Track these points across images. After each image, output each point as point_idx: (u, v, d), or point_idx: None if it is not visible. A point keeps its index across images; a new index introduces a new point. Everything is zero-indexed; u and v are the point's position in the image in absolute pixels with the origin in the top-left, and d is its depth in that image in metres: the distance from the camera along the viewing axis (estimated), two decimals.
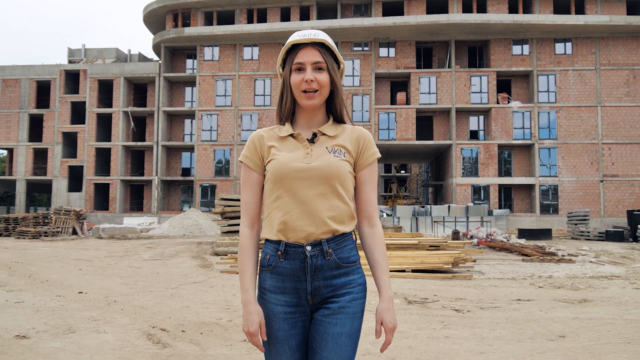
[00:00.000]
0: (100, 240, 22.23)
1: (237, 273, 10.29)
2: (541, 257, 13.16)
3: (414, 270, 10.25)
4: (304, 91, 1.83)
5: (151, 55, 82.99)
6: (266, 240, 1.84)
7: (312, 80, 1.81)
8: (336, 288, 1.78)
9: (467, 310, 6.50)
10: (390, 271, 10.31)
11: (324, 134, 1.87)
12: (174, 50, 41.17)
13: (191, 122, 40.71)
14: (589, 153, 35.12)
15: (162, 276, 9.80)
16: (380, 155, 1.92)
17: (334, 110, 1.92)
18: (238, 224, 19.77)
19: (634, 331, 5.34)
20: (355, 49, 37.80)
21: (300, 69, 1.83)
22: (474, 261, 11.60)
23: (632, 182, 34.55)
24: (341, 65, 1.92)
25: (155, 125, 39.85)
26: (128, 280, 9.20)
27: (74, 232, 26.07)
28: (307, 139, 1.86)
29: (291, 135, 1.87)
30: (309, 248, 1.76)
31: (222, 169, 38.45)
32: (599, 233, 23.60)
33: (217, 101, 38.82)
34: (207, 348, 4.69)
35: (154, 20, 42.34)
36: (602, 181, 34.81)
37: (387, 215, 34.08)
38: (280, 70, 1.94)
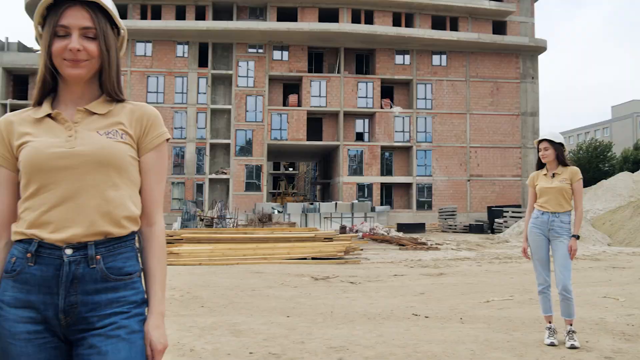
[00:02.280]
0: None
1: None
2: (414, 246, 15.83)
3: (313, 258, 12.24)
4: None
5: (32, 44, 77.63)
6: (16, 241, 1.45)
7: (78, 50, 1.43)
8: (98, 307, 1.41)
9: (359, 282, 8.57)
10: (294, 259, 12.25)
11: (95, 113, 1.50)
12: None
13: None
14: (459, 155, 39.77)
15: None
16: (169, 137, 1.59)
17: (106, 86, 1.51)
18: None
19: (467, 289, 7.70)
20: (250, 50, 39.27)
21: (65, 34, 1.44)
22: (361, 250, 13.86)
23: (493, 182, 39.71)
24: (122, 32, 1.57)
25: None
26: None
27: None
28: (72, 121, 1.48)
29: (49, 115, 1.49)
30: (68, 251, 1.39)
31: None
32: (464, 226, 27.40)
33: None
34: (177, 312, 6.24)
35: (35, 8, 40.53)
36: (469, 180, 39.61)
37: (278, 212, 36.06)
38: (40, 29, 1.51)
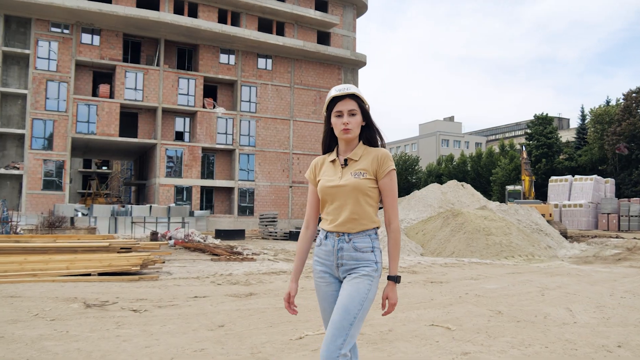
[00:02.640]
0: None
1: None
2: (228, 257, 14.29)
3: (101, 274, 9.99)
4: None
5: None
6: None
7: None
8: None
9: (144, 309, 6.73)
10: (74, 275, 9.84)
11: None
12: None
13: None
14: (282, 161, 39.35)
15: None
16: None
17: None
18: None
19: (278, 317, 6.37)
20: (53, 29, 34.26)
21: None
22: (164, 262, 11.91)
23: None
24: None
25: None
26: None
27: None
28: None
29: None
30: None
31: None
32: (285, 233, 26.65)
33: None
34: None
35: None
36: (291, 187, 39.38)
37: (83, 214, 31.91)
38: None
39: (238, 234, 26.71)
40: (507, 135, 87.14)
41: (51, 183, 33.59)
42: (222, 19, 39.10)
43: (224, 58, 38.75)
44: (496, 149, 65.21)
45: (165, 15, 35.31)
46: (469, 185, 23.81)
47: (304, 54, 40.51)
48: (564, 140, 57.68)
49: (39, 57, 33.64)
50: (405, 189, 64.02)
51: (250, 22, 39.51)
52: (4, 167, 33.02)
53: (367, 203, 2.60)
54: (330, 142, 2.78)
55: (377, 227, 2.66)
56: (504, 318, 6.48)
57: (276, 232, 27.80)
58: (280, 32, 41.00)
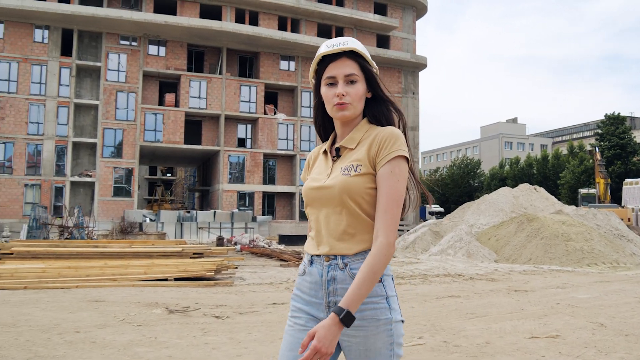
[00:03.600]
0: None
1: None
2: (297, 262, 14.19)
3: (177, 279, 10.10)
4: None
5: None
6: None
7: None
8: None
9: (226, 316, 6.66)
10: (152, 280, 9.99)
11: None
12: None
13: None
14: None
15: None
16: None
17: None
18: None
19: None
20: (122, 42, 35.68)
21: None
22: (236, 267, 11.94)
23: None
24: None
25: None
26: None
27: None
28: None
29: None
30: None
31: None
32: None
33: None
34: None
35: None
36: None
37: (151, 220, 32.90)
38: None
39: (301, 240, 26.69)
40: (574, 136, 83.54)
41: (121, 190, 34.84)
42: (282, 26, 39.47)
43: (284, 64, 39.09)
44: (564, 150, 62.54)
45: (227, 24, 36.00)
46: (542, 189, 22.77)
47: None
48: (638, 140, 54.58)
49: (109, 69, 35.04)
50: (467, 193, 62.48)
51: (310, 28, 39.69)
52: (78, 174, 34.55)
53: (365, 212, 1.72)
54: (324, 123, 1.93)
55: None
56: (609, 331, 5.96)
57: None
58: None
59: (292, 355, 1.76)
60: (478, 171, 67.91)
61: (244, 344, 5.22)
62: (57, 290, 9.10)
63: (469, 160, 68.75)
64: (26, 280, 9.53)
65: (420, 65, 42.47)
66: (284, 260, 15.15)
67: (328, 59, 1.79)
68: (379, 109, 1.84)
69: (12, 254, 11.72)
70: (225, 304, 7.63)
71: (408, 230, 23.47)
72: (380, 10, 42.81)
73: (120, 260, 11.28)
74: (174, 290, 9.20)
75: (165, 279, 10.06)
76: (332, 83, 1.78)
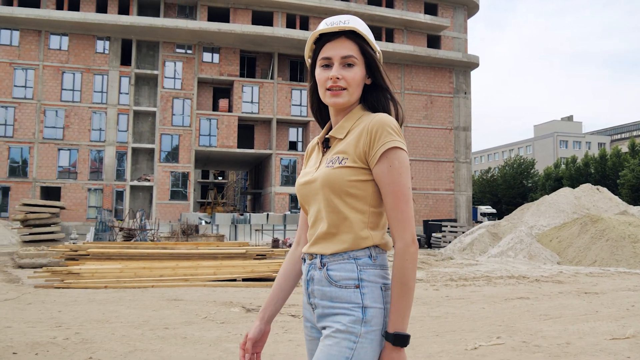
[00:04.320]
0: None
1: (56, 287, 9.45)
2: None
3: (244, 279, 10.45)
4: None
5: None
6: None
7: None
8: None
9: (300, 315, 6.90)
10: (222, 280, 10.39)
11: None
12: None
13: None
14: None
15: None
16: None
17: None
18: (43, 232, 17.93)
19: (440, 325, 6.24)
20: (178, 50, 36.86)
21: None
22: None
23: (426, 195, 39.34)
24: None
25: None
26: None
27: None
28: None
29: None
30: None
31: (19, 170, 34.12)
32: None
33: (14, 92, 34.46)
34: None
35: None
36: None
37: (206, 222, 33.79)
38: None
39: None
40: (635, 133, 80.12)
41: (177, 193, 35.96)
42: None
43: None
44: (623, 148, 60.11)
45: (279, 30, 36.60)
46: (605, 189, 22.06)
47: (413, 58, 40.08)
48: None
49: (165, 77, 36.26)
50: (520, 194, 61.00)
51: None
52: (137, 179, 35.89)
53: (349, 207, 1.54)
54: (320, 109, 1.75)
55: (371, 247, 1.55)
56: None
57: None
58: (390, 39, 40.90)
59: None
60: (532, 171, 66.17)
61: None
62: (134, 289, 9.60)
63: (522, 160, 67.09)
64: (106, 280, 10.11)
65: (472, 64, 41.87)
66: None
67: (326, 38, 1.62)
68: (376, 97, 1.64)
69: (88, 255, 12.40)
70: (296, 304, 7.87)
71: (463, 232, 23.22)
72: (430, 10, 42.50)
73: (190, 262, 11.75)
74: (244, 290, 9.54)
75: (234, 280, 10.43)
76: (327, 65, 1.60)
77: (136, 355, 4.91)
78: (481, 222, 44.03)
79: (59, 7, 35.68)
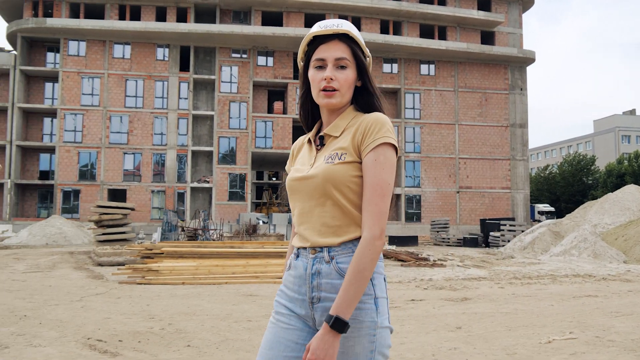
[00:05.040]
0: None
1: (138, 283, 10.17)
2: (417, 263, 14.55)
3: None
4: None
5: (2, 44, 75.13)
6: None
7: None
8: None
9: None
10: None
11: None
12: (32, 42, 37.88)
13: (52, 121, 37.74)
14: (448, 166, 38.81)
15: (57, 289, 9.35)
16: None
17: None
18: (116, 232, 19.03)
19: (511, 321, 6.43)
20: (233, 55, 37.93)
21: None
22: None
23: (482, 194, 38.83)
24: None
25: (8, 123, 36.28)
26: (22, 294, 8.67)
27: None
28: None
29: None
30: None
31: (88, 173, 36.06)
32: (457, 239, 26.28)
33: (82, 100, 36.47)
34: (155, 354, 4.84)
35: (8, 6, 38.66)
36: (458, 192, 38.64)
37: (263, 222, 34.60)
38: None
39: (411, 240, 26.91)
40: None
41: (235, 194, 37.03)
42: (384, 30, 39.88)
43: (386, 67, 39.46)
44: None
45: None
46: None
47: (467, 56, 39.64)
48: None
49: (222, 81, 37.41)
50: (580, 191, 59.04)
51: (412, 29, 39.75)
52: (197, 181, 37.18)
53: (350, 202, 1.61)
54: (312, 111, 1.80)
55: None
56: None
57: (449, 239, 27.50)
58: (442, 36, 40.61)
59: (271, 354, 1.63)
60: (592, 168, 63.89)
61: (402, 334, 5.74)
62: (209, 285, 10.20)
63: (581, 157, 64.87)
64: (183, 277, 10.77)
65: (528, 60, 40.98)
66: (403, 261, 15.56)
67: (319, 40, 1.68)
68: (368, 100, 1.71)
69: (162, 253, 13.16)
70: None
71: (522, 231, 22.91)
72: (484, 6, 41.90)
73: (258, 260, 12.29)
74: None
75: None
76: (321, 66, 1.66)
77: (228, 344, 5.37)
78: (539, 220, 43.02)
79: (122, 17, 37.43)
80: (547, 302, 7.94)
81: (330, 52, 1.64)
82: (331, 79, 1.63)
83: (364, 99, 1.71)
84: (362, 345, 1.53)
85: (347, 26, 1.67)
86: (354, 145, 1.62)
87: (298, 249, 1.70)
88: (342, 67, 1.65)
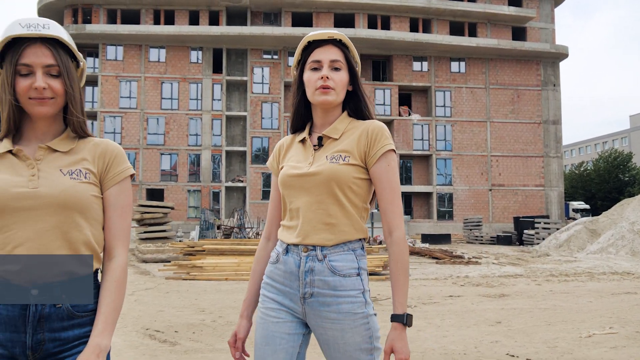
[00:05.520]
0: None
1: (184, 279, 10.63)
2: (452, 260, 14.70)
3: None
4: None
5: None
6: None
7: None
8: (66, 342, 1.44)
9: (414, 305, 7.48)
10: None
11: (57, 150, 1.53)
12: None
13: (92, 123, 38.89)
14: (480, 164, 38.56)
15: None
16: (133, 172, 1.64)
17: (72, 123, 1.55)
18: (157, 230, 19.66)
19: (549, 316, 6.59)
20: (264, 56, 38.45)
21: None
22: None
23: (515, 191, 38.46)
24: (81, 64, 1.63)
25: None
26: None
27: None
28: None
29: (10, 152, 1.51)
30: (34, 292, 1.40)
31: None
32: (491, 237, 26.19)
33: (121, 103, 37.54)
34: (211, 344, 5.20)
35: (50, 14, 40.00)
36: (490, 190, 38.37)
37: None
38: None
39: (444, 238, 26.94)
40: None
41: (268, 193, 37.53)
42: (413, 28, 39.82)
43: (417, 65, 39.41)
44: None
45: (361, 30, 37.21)
46: None
47: (498, 52, 39.27)
48: None
49: (254, 82, 37.99)
50: (616, 188, 57.75)
51: (442, 27, 39.60)
52: (231, 180, 37.86)
53: (349, 202, 1.70)
54: (304, 116, 1.87)
55: (364, 239, 1.76)
56: None
57: (482, 237, 27.42)
58: (473, 33, 40.32)
59: (269, 349, 1.71)
60: (629, 164, 62.38)
61: (444, 328, 5.98)
62: None
63: (617, 153, 63.40)
64: (225, 273, 11.19)
65: (561, 55, 40.34)
66: (437, 258, 15.71)
67: (315, 45, 1.79)
68: (358, 105, 1.82)
69: (204, 251, 13.64)
70: None
71: (557, 229, 22.72)
72: (515, 1, 41.41)
73: None
74: None
75: None
76: (317, 68, 1.76)
77: None
78: (574, 218, 42.32)
79: (156, 22, 38.35)
80: (585, 298, 8.05)
81: (326, 54, 1.75)
82: (327, 78, 1.72)
83: (354, 103, 1.82)
84: (360, 335, 1.64)
85: (340, 34, 1.78)
86: (359, 149, 1.72)
87: (287, 244, 1.74)
88: (337, 69, 1.75)
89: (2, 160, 1.47)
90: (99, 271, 1.54)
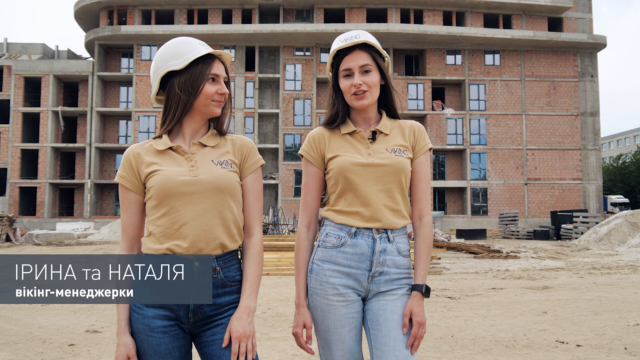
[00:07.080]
0: (38, 247, 21.66)
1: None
2: (490, 255, 14.65)
3: None
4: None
5: (81, 52, 79.77)
6: (147, 255, 1.75)
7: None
8: (220, 307, 1.74)
9: (458, 297, 7.57)
10: None
11: (206, 145, 1.82)
12: (108, 49, 40.10)
13: (127, 123, 39.85)
14: (515, 158, 38.02)
15: None
16: (264, 163, 1.91)
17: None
18: None
19: (595, 306, 6.61)
20: (297, 53, 38.69)
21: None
22: (439, 258, 12.82)
23: (552, 185, 37.80)
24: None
25: (87, 126, 38.64)
26: None
27: (7, 239, 24.91)
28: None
29: (170, 148, 1.79)
30: (196, 264, 1.69)
31: None
32: (527, 232, 25.87)
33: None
34: (266, 333, 5.42)
35: (86, 16, 41.14)
36: (526, 184, 37.82)
37: None
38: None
39: (479, 234, 26.74)
40: None
41: (300, 190, 37.82)
42: (447, 21, 39.49)
43: (450, 59, 39.07)
44: None
45: (393, 25, 37.09)
46: None
47: (534, 44, 38.60)
48: None
49: (287, 80, 38.30)
50: None
51: (476, 19, 39.14)
52: (263, 177, 38.29)
53: (406, 190, 1.97)
54: (343, 113, 2.00)
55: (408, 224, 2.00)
56: None
57: (518, 232, 27.12)
58: (508, 25, 39.74)
59: (345, 331, 1.89)
60: None
61: (491, 317, 6.07)
62: (291, 276, 10.81)
63: None
64: (267, 268, 11.44)
65: (599, 45, 39.38)
66: (475, 253, 15.67)
67: (343, 53, 1.95)
68: (389, 101, 2.03)
69: None
70: (449, 288, 8.54)
71: (597, 223, 22.31)
72: None
73: None
74: None
75: None
76: (349, 75, 1.94)
77: None
78: (612, 212, 41.37)
79: (190, 21, 39.00)
80: (630, 290, 8.00)
81: (355, 61, 1.92)
82: (360, 84, 1.91)
83: (385, 100, 2.03)
84: (403, 304, 1.90)
85: (364, 36, 1.94)
86: (410, 144, 1.99)
87: (357, 228, 1.90)
88: (367, 72, 1.93)
89: (164, 155, 1.77)
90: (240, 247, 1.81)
